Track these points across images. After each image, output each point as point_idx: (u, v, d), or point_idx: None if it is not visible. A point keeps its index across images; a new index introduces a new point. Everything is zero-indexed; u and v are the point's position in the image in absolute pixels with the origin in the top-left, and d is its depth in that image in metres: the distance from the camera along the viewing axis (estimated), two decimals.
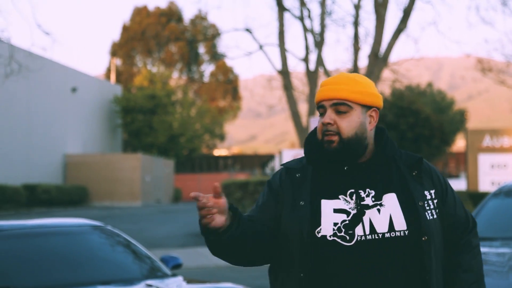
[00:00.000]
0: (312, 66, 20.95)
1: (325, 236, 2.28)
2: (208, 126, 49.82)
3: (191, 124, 46.88)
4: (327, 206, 2.33)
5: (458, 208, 2.49)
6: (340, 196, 2.34)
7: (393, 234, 2.29)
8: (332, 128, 2.37)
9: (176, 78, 56.87)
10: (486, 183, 17.16)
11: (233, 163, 52.20)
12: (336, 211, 2.31)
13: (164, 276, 4.87)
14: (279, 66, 20.84)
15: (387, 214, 2.32)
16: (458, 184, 26.62)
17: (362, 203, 2.33)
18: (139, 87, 46.72)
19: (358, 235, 2.27)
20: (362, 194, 2.34)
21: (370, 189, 2.36)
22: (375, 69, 18.46)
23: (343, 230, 2.28)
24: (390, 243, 2.28)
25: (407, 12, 18.23)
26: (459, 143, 53.93)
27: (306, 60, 21.10)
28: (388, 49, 18.40)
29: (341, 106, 2.37)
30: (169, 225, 21.85)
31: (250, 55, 21.75)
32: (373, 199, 2.34)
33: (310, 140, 2.51)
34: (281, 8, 20.59)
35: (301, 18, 20.86)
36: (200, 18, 55.50)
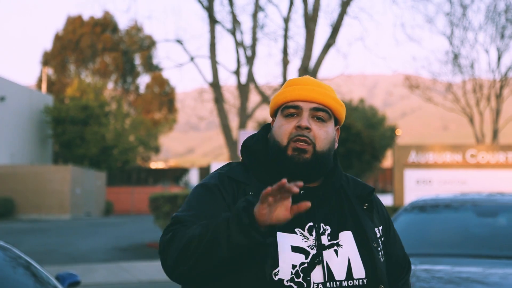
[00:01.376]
0: (243, 79, 20.91)
1: (282, 280, 1.90)
2: (143, 138, 49.22)
3: (125, 136, 46.21)
4: (284, 242, 1.94)
5: (399, 246, 2.23)
6: (296, 230, 1.97)
7: (351, 282, 1.96)
8: (309, 135, 1.99)
9: (111, 89, 56.07)
10: (412, 199, 17.39)
11: (163, 176, 51.82)
12: (294, 249, 1.94)
13: None
14: (210, 78, 20.71)
15: (345, 258, 1.99)
16: (385, 200, 27.03)
17: (321, 241, 1.99)
18: (72, 98, 45.80)
19: (314, 283, 1.92)
20: (321, 229, 1.99)
21: (325, 225, 2.01)
22: None
23: (301, 275, 1.92)
24: None
25: (336, 27, 18.41)
26: (389, 159, 55.02)
27: (237, 73, 21.04)
28: (317, 63, 18.52)
29: (322, 113, 2.02)
30: (95, 238, 21.35)
31: (181, 66, 21.58)
32: (329, 237, 2.00)
33: (253, 150, 2.09)
34: (213, 21, 20.49)
35: (233, 31, 20.81)
36: (136, 29, 54.93)
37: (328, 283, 1.93)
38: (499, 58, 36.21)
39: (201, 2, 20.64)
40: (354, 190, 2.12)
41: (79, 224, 29.58)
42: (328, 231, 1.99)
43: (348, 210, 2.06)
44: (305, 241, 1.96)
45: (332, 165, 2.08)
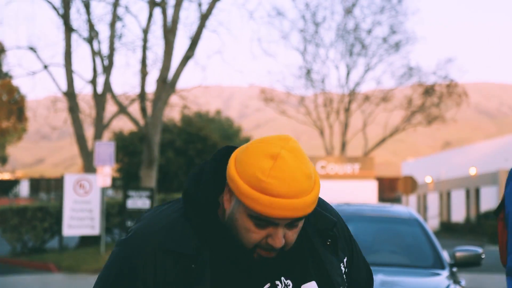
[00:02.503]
0: (100, 89, 20.58)
1: None
2: None
3: None
4: None
5: (362, 270, 1.99)
6: None
7: None
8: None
9: None
10: None
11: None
12: None
13: None
14: (65, 87, 20.19)
15: None
16: None
17: None
18: None
19: None
20: (281, 286, 1.73)
21: (286, 279, 1.74)
22: (163, 94, 18.59)
23: None
24: None
25: (195, 40, 18.65)
26: None
27: (94, 82, 20.67)
28: (176, 75, 18.64)
29: (299, 222, 1.68)
30: None
31: (34, 74, 20.86)
32: None
33: (201, 203, 1.71)
34: (68, 29, 20.03)
35: (90, 40, 20.45)
36: None
37: None
38: (348, 74, 38.20)
39: (56, 10, 20.11)
40: (314, 225, 1.82)
41: None
42: (290, 286, 1.73)
43: (310, 254, 1.80)
44: None
45: None
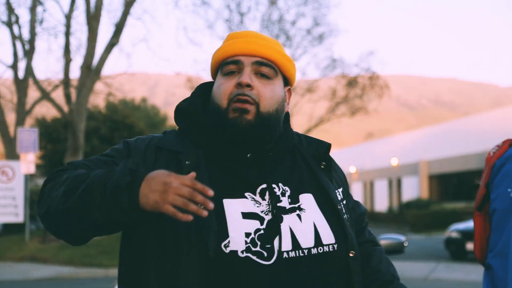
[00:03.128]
0: (21, 74, 20.03)
1: (236, 251, 1.61)
2: None
3: None
4: (232, 208, 1.65)
5: (355, 203, 1.99)
6: (247, 195, 1.69)
7: (320, 249, 1.70)
8: (251, 93, 1.71)
9: None
10: None
11: None
12: (245, 215, 1.66)
13: None
14: None
15: (310, 222, 1.72)
16: None
17: (278, 204, 1.70)
18: None
19: (277, 251, 1.65)
20: (277, 191, 1.72)
21: (284, 185, 1.75)
22: (88, 81, 18.25)
23: (259, 243, 1.64)
24: (318, 261, 1.69)
25: (119, 27, 18.37)
26: None
27: (14, 67, 20.10)
28: (100, 62, 18.33)
29: (266, 68, 1.75)
30: None
31: None
32: (289, 200, 1.73)
33: (189, 113, 1.81)
34: None
35: (9, 24, 19.84)
36: None
37: (294, 252, 1.66)
38: None
39: None
40: (308, 148, 1.87)
41: None
42: (288, 193, 1.74)
43: (305, 170, 1.82)
44: (258, 206, 1.68)
45: (282, 129, 1.82)
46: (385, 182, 45.61)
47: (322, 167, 1.85)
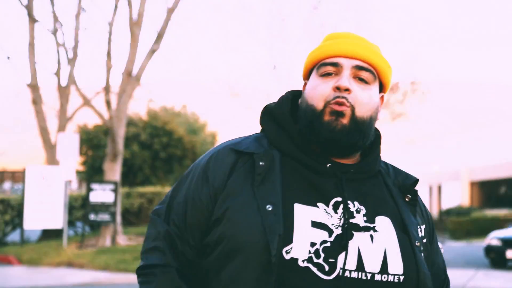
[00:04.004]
0: (64, 81, 20.39)
1: (297, 260, 1.53)
2: None
3: None
4: (303, 214, 1.58)
5: (440, 254, 1.85)
6: (318, 204, 1.61)
7: (385, 277, 1.58)
8: (348, 97, 1.64)
9: None
10: None
11: None
12: (314, 224, 1.57)
13: None
14: (28, 79, 19.95)
15: (381, 246, 1.61)
16: None
17: (351, 220, 1.61)
18: None
19: (340, 268, 1.55)
20: (351, 207, 1.63)
21: (360, 204, 1.65)
22: (128, 87, 18.49)
23: (322, 255, 1.55)
24: None
25: (160, 33, 18.58)
26: None
27: (58, 74, 20.47)
28: (141, 68, 18.54)
29: (366, 73, 1.69)
30: None
31: None
32: (364, 218, 1.63)
33: (276, 114, 1.76)
34: (32, 20, 19.79)
35: (54, 32, 20.23)
36: None
37: (356, 273, 1.56)
38: None
39: (19, 0, 19.84)
40: (394, 179, 1.77)
41: None
42: (364, 212, 1.64)
43: (387, 197, 1.71)
44: (329, 218, 1.60)
45: (373, 138, 1.74)
46: (426, 188, 45.13)
47: (407, 199, 1.74)
